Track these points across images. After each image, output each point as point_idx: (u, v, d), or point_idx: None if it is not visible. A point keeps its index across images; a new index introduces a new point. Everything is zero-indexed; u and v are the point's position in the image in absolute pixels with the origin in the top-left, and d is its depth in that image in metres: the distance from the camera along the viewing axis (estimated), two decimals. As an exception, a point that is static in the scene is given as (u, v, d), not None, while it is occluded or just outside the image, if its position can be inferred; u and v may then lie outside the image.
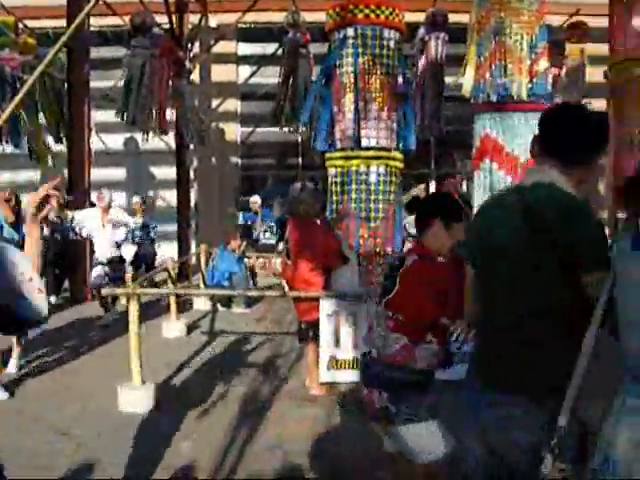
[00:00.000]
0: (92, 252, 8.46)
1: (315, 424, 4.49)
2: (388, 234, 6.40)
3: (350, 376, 4.82)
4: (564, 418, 1.79)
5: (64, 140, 10.87)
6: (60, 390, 5.37)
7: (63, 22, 10.19)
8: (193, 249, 12.86)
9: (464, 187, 9.13)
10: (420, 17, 10.84)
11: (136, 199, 10.81)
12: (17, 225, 5.48)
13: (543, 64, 6.81)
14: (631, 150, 7.04)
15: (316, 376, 5.07)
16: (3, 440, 3.81)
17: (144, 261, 10.30)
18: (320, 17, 7.45)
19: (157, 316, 8.20)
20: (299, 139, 14.29)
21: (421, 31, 10.72)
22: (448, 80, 10.61)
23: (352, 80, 6.45)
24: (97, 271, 7.85)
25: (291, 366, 6.02)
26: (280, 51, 11.85)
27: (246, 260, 9.82)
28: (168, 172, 13.70)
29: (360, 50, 6.47)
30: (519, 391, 1.96)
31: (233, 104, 15.66)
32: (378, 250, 6.22)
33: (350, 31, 6.51)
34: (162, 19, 11.29)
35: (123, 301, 7.36)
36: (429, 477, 2.68)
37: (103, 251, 7.81)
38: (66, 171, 10.21)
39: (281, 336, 7.23)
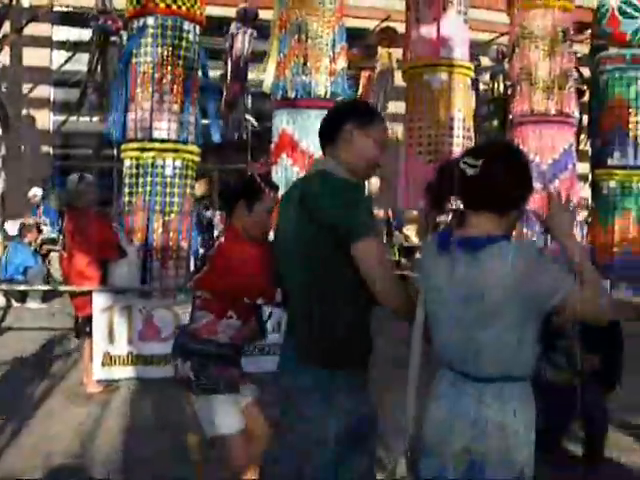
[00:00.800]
0: None
1: (84, 423, 4.38)
2: (183, 228, 6.35)
3: (126, 373, 4.74)
4: (410, 426, 1.95)
5: None
6: None
7: None
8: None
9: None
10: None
11: None
12: None
13: (341, 63, 7.15)
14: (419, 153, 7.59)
15: (91, 373, 4.92)
16: None
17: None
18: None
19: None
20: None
21: (232, 26, 10.88)
22: (252, 76, 10.82)
23: (150, 70, 6.28)
24: None
25: (74, 363, 5.80)
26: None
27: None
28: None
29: (159, 40, 6.33)
30: (313, 362, 2.08)
31: (46, 90, 14.76)
32: (172, 244, 6.16)
33: (150, 20, 6.36)
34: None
35: None
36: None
37: None
38: None
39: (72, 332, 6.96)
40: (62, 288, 4.98)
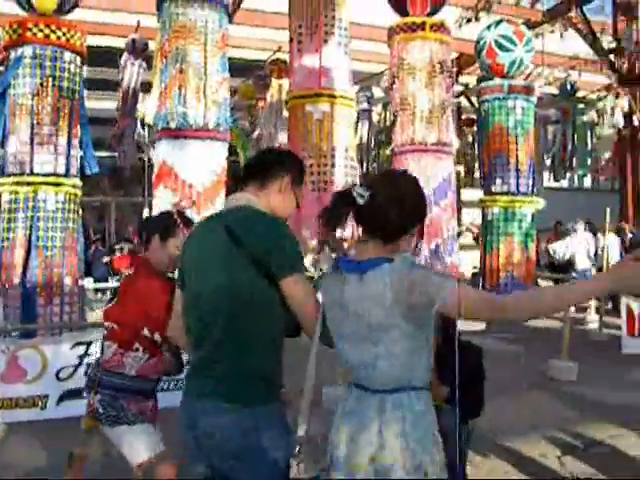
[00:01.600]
0: None
1: None
2: (67, 263, 7.16)
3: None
4: (302, 429, 2.25)
5: None
6: None
7: None
8: None
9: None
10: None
11: None
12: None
13: (223, 94, 8.18)
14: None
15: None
16: None
17: None
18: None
19: None
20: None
21: (123, 57, 12.07)
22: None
23: (28, 102, 7.19)
24: None
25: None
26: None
27: None
28: None
29: (38, 71, 7.27)
30: (229, 399, 2.35)
31: None
32: (55, 280, 6.98)
33: (28, 50, 7.27)
34: None
35: None
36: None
37: None
38: None
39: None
40: None
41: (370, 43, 15.03)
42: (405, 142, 9.30)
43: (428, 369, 2.23)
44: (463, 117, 17.24)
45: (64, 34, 7.47)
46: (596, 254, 12.09)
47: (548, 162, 16.46)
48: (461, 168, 17.77)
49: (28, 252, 7.09)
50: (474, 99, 12.42)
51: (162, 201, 7.51)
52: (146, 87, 11.91)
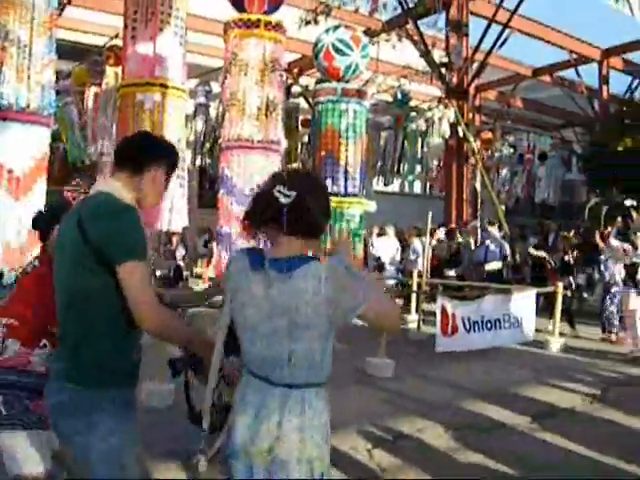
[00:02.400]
0: None
1: None
2: None
3: None
4: (206, 422, 2.44)
5: None
6: None
7: None
8: None
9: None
10: None
11: None
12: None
13: (48, 76, 7.86)
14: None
15: None
16: None
17: None
18: None
19: None
20: None
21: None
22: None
23: None
24: None
25: None
26: None
27: None
28: None
29: None
30: (70, 379, 2.45)
31: None
32: None
33: None
34: None
35: None
36: None
37: None
38: None
39: None
40: None
41: (212, 37, 14.99)
42: (232, 138, 9.32)
43: (330, 367, 2.35)
44: (301, 118, 17.51)
45: None
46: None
47: (379, 166, 17.07)
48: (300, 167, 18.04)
49: None
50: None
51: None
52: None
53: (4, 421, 2.97)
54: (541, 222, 17.86)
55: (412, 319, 11.30)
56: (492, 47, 16.66)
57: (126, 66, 9.00)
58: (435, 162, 18.46)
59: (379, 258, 14.00)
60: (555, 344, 10.04)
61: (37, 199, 7.63)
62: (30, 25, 7.67)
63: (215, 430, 2.46)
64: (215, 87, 16.96)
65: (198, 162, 17.96)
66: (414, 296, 11.58)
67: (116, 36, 14.62)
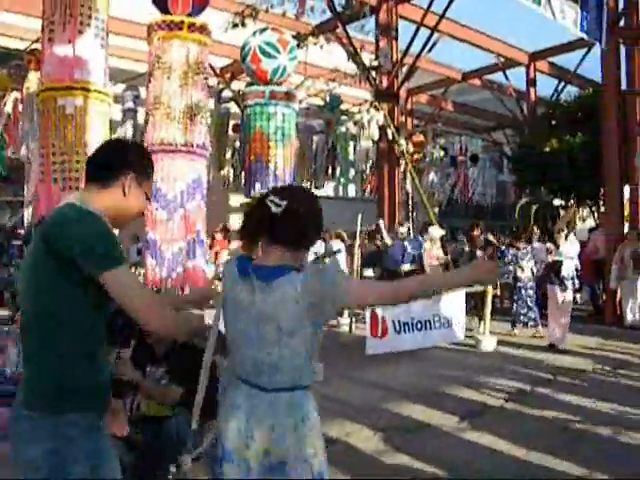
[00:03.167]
0: None
1: None
2: None
3: None
4: (195, 423, 2.55)
5: None
6: None
7: None
8: None
9: None
10: None
11: None
12: None
13: None
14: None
15: None
16: None
17: None
18: None
19: None
20: None
21: None
22: None
23: None
24: None
25: None
26: None
27: None
28: None
29: None
30: (28, 407, 2.29)
31: None
32: None
33: None
34: None
35: None
36: None
37: None
38: None
39: None
40: None
41: (141, 42, 14.70)
42: (156, 142, 9.11)
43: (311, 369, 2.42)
44: (232, 123, 17.33)
45: None
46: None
47: (312, 170, 17.01)
48: (231, 173, 17.85)
49: None
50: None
51: None
52: None
53: None
54: (474, 223, 18.13)
55: (344, 322, 11.29)
56: (421, 50, 16.82)
57: (44, 70, 8.72)
58: (368, 165, 18.50)
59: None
60: (486, 343, 10.15)
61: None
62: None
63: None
64: (143, 92, 16.65)
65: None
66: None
67: (37, 40, 14.25)
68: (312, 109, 17.27)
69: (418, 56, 16.97)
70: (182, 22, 9.33)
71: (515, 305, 11.66)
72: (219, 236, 14.07)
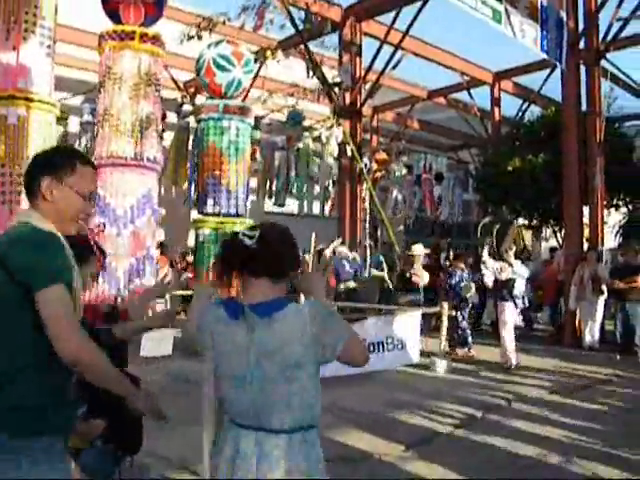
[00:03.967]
0: None
1: None
2: None
3: None
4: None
5: None
6: None
7: None
8: None
9: None
10: None
11: None
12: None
13: None
14: None
15: None
16: None
17: None
18: None
19: None
20: None
21: None
22: None
23: None
24: None
25: None
26: None
27: None
28: None
29: None
30: None
31: None
32: None
33: None
34: None
35: None
36: None
37: None
38: None
39: None
40: None
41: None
42: (105, 155, 8.85)
43: (319, 408, 2.41)
44: (192, 137, 17.00)
45: None
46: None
47: (273, 187, 16.73)
48: (192, 188, 17.48)
49: None
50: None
51: None
52: None
53: None
54: (436, 242, 18.03)
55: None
56: (385, 67, 16.75)
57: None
58: (330, 182, 18.27)
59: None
60: (441, 365, 9.92)
61: None
62: None
63: None
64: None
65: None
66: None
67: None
68: (275, 124, 17.06)
69: (382, 73, 16.89)
70: (134, 32, 9.09)
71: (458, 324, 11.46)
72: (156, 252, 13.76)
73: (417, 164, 24.34)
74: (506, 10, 10.65)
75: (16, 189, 7.96)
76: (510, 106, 22.93)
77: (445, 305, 10.17)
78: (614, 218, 18.89)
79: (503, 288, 10.46)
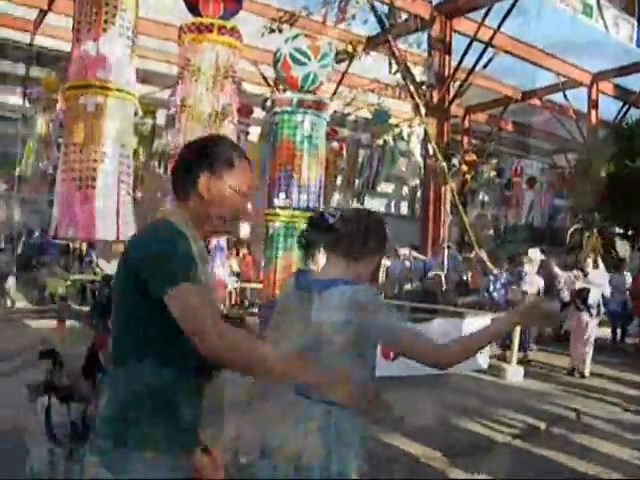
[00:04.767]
0: None
1: None
2: None
3: None
4: None
5: None
6: None
7: None
8: None
9: None
10: None
11: None
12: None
13: None
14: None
15: None
16: None
17: None
18: None
19: None
20: None
21: None
22: None
23: None
24: None
25: None
26: None
27: None
28: None
29: None
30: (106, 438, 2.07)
31: None
32: None
33: None
34: None
35: None
36: None
37: None
38: None
39: None
40: None
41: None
42: (181, 145, 8.91)
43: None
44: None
45: None
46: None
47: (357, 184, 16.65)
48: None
49: None
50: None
51: None
52: None
53: None
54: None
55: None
56: (474, 65, 16.33)
57: (70, 69, 8.65)
58: (417, 181, 18.04)
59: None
60: (511, 373, 9.56)
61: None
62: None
63: None
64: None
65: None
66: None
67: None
68: (360, 122, 16.98)
69: (471, 71, 16.50)
70: (212, 25, 9.17)
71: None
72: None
73: (508, 167, 23.73)
74: (598, 3, 10.15)
75: (91, 175, 8.16)
76: (608, 108, 22.11)
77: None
78: None
79: (577, 297, 10.16)
